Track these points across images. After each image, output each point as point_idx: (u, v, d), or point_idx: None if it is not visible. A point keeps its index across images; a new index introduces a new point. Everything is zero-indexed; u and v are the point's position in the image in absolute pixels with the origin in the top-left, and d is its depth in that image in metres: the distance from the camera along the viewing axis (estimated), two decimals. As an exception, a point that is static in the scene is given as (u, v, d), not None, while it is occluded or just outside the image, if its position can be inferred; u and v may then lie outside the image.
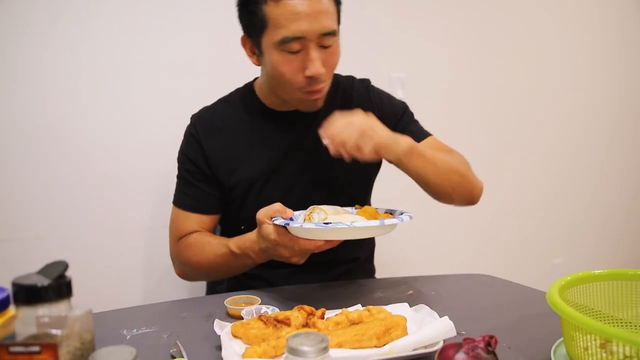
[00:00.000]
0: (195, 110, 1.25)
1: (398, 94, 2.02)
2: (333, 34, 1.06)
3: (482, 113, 2.25)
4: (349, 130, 0.98)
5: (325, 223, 0.87)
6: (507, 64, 2.27)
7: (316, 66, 1.04)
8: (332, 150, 1.00)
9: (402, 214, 0.96)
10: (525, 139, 2.36)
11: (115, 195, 1.67)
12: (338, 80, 1.25)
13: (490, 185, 2.25)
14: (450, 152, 1.24)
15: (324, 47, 1.06)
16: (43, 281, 0.55)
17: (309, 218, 0.96)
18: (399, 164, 1.05)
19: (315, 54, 1.04)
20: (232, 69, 1.69)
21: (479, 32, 2.19)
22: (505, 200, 2.33)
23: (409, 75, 2.06)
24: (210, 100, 1.27)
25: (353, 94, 1.25)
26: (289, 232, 0.92)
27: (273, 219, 0.94)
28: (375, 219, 0.96)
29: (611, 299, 0.80)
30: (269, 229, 0.94)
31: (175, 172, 1.24)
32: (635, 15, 2.52)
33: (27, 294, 0.55)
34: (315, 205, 0.98)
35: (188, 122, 1.24)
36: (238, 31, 1.13)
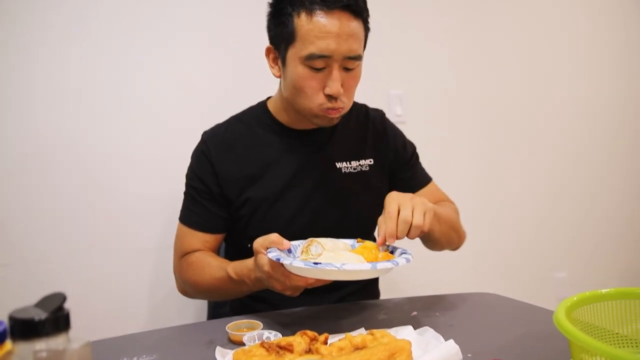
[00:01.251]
0: (204, 129, 1.26)
1: (397, 111, 2.02)
2: (358, 58, 1.08)
3: (482, 121, 2.24)
4: (416, 211, 0.95)
5: (316, 263, 0.85)
6: (506, 76, 2.27)
7: (336, 85, 1.06)
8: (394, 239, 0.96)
9: (403, 253, 0.95)
10: (525, 149, 2.35)
11: (120, 216, 1.66)
12: (353, 105, 1.26)
13: (490, 197, 2.26)
14: (446, 202, 1.30)
15: (346, 69, 1.07)
16: (40, 315, 0.54)
17: (307, 250, 0.95)
18: None
19: (337, 74, 1.06)
20: (241, 90, 1.69)
21: (478, 39, 2.20)
22: (505, 213, 2.32)
23: (409, 86, 2.06)
24: (220, 119, 1.27)
25: (369, 121, 1.27)
26: (282, 266, 0.91)
27: (268, 251, 0.92)
28: (375, 257, 0.94)
29: (620, 318, 0.78)
30: (263, 260, 0.93)
31: (181, 193, 1.24)
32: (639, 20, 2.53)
33: (24, 328, 0.54)
34: (314, 238, 0.97)
35: (196, 141, 1.24)
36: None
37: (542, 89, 2.36)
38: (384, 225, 0.95)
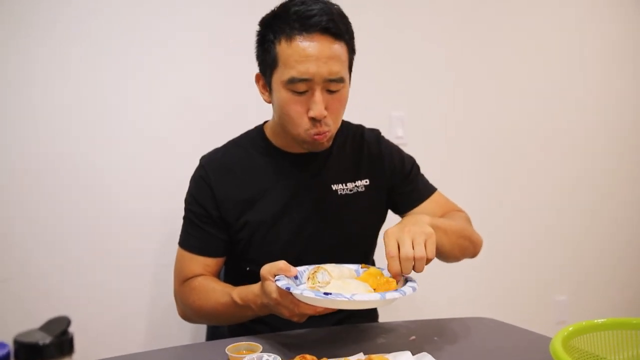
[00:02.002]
0: (203, 150, 1.27)
1: (398, 133, 2.04)
2: (340, 80, 1.08)
3: (483, 143, 2.24)
4: (416, 243, 0.94)
5: (326, 293, 0.86)
6: (511, 101, 2.28)
7: (319, 108, 1.06)
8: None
9: (407, 280, 0.96)
10: (525, 170, 2.35)
11: (120, 234, 1.66)
12: (348, 127, 1.28)
13: (490, 218, 2.26)
14: (454, 211, 1.30)
15: (330, 91, 1.08)
16: (45, 339, 0.55)
17: (313, 277, 0.96)
18: None
19: (319, 96, 1.06)
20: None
21: (482, 56, 2.20)
22: (504, 235, 2.32)
23: (410, 107, 2.07)
24: (219, 141, 1.28)
25: (364, 143, 1.28)
26: (291, 294, 0.91)
27: (276, 278, 0.93)
28: (379, 283, 0.95)
29: (615, 346, 0.79)
30: (271, 287, 0.94)
31: (181, 210, 1.25)
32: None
33: (28, 352, 0.55)
34: (320, 265, 0.98)
35: (195, 162, 1.25)
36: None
37: (545, 111, 2.34)
38: (388, 264, 0.95)
